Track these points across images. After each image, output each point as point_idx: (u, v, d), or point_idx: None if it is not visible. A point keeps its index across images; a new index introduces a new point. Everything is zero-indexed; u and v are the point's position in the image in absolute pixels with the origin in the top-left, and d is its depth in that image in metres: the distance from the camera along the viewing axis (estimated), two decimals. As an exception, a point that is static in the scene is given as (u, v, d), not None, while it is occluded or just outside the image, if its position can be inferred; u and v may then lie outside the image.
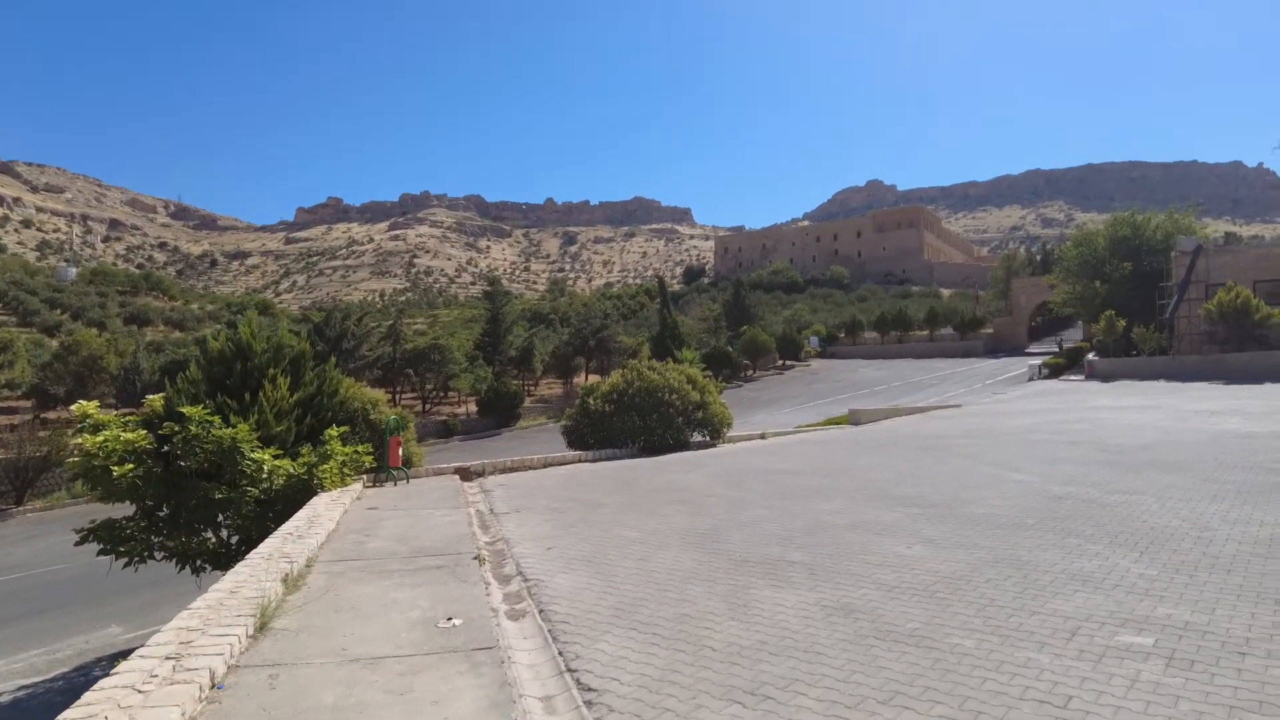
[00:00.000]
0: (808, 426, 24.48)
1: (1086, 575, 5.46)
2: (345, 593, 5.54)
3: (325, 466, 10.27)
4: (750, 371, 59.42)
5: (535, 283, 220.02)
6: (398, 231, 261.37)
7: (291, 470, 9.96)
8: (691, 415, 16.11)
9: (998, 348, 61.53)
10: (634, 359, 19.67)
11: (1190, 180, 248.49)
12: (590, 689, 3.86)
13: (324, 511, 8.67)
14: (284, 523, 8.12)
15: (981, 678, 3.72)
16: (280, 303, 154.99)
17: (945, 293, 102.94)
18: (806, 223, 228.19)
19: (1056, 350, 50.52)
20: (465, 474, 13.03)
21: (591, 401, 16.15)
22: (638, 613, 4.99)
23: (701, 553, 6.55)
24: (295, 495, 9.86)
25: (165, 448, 9.69)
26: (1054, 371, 43.04)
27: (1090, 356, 42.66)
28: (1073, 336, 58.63)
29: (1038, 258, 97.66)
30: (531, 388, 61.38)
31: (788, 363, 62.94)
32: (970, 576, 5.57)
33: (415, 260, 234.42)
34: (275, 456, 9.93)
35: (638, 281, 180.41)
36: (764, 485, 10.38)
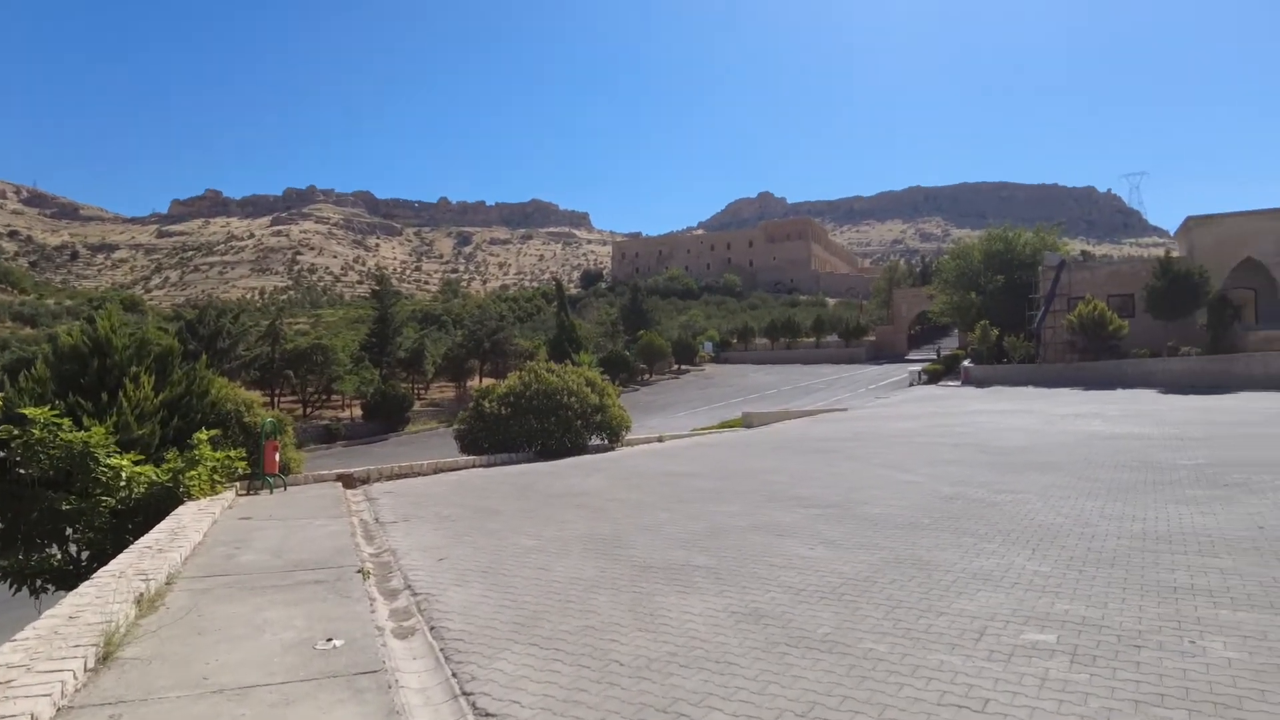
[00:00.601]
0: (704, 430, 24.65)
1: (986, 574, 5.52)
2: (210, 613, 4.95)
3: (193, 473, 9.39)
4: (647, 375, 59.72)
5: (427, 283, 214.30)
6: (281, 227, 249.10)
7: (154, 477, 9.06)
8: (590, 418, 15.83)
9: (880, 354, 64.23)
10: (531, 361, 19.27)
11: (1052, 201, 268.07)
12: (488, 714, 3.52)
13: (190, 522, 7.88)
14: (145, 535, 7.32)
15: (898, 684, 3.61)
16: (150, 299, 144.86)
17: (831, 302, 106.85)
18: (701, 231, 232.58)
19: (935, 357, 53.12)
20: (349, 481, 12.28)
21: (487, 404, 15.62)
22: (539, 627, 4.67)
23: (604, 560, 6.28)
24: (158, 505, 8.97)
25: (3, 454, 8.62)
26: (932, 377, 45.23)
27: (966, 363, 45.12)
28: (949, 344, 61.85)
29: (917, 269, 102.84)
30: (422, 391, 59.54)
31: (683, 367, 63.64)
32: (875, 577, 5.54)
33: (299, 257, 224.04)
34: (136, 462, 9.01)
35: (535, 284, 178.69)
36: (664, 488, 10.22)
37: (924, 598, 5.00)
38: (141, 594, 5.11)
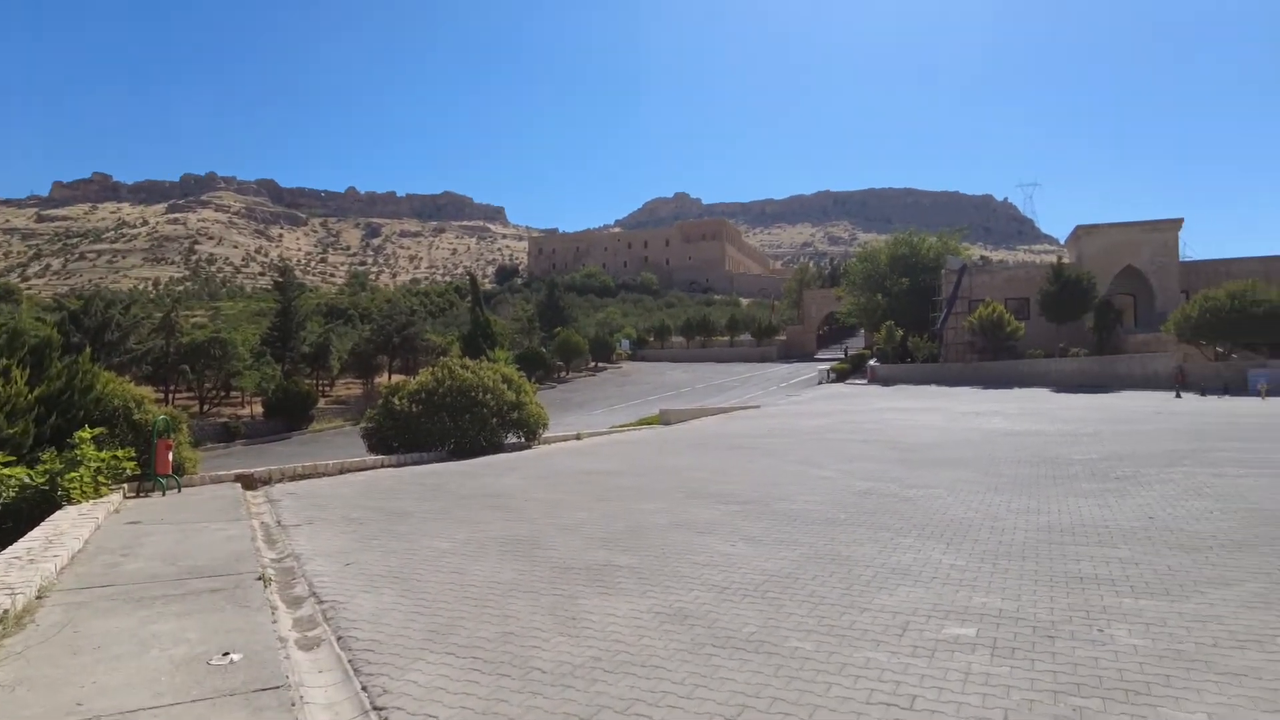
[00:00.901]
0: (622, 427, 24.59)
1: (905, 568, 5.60)
2: (89, 628, 4.52)
3: (73, 475, 8.66)
4: (564, 373, 59.31)
5: (334, 275, 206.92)
6: (177, 215, 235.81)
7: (27, 479, 8.31)
8: (507, 416, 15.50)
9: (790, 354, 65.72)
10: (444, 358, 18.68)
11: (954, 208, 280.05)
12: (401, 729, 3.29)
13: (69, 528, 7.25)
14: (13, 544, 6.67)
15: (826, 683, 3.57)
16: (28, 288, 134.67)
17: (744, 301, 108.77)
18: (619, 229, 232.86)
19: (843, 357, 54.70)
20: (249, 482, 11.62)
21: (397, 401, 15.08)
22: (454, 634, 4.44)
23: (522, 562, 6.08)
24: (32, 510, 8.23)
25: None
26: (840, 376, 46.51)
27: (872, 363, 46.67)
28: (856, 344, 63.81)
29: (826, 272, 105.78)
30: (327, 388, 57.46)
31: (600, 364, 63.52)
32: (797, 574, 5.54)
33: (197, 247, 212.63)
34: (5, 463, 8.25)
35: (448, 279, 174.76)
36: (583, 487, 10.06)
37: (846, 593, 5.02)
38: (6, 610, 4.62)
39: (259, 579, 5.68)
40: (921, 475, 10.40)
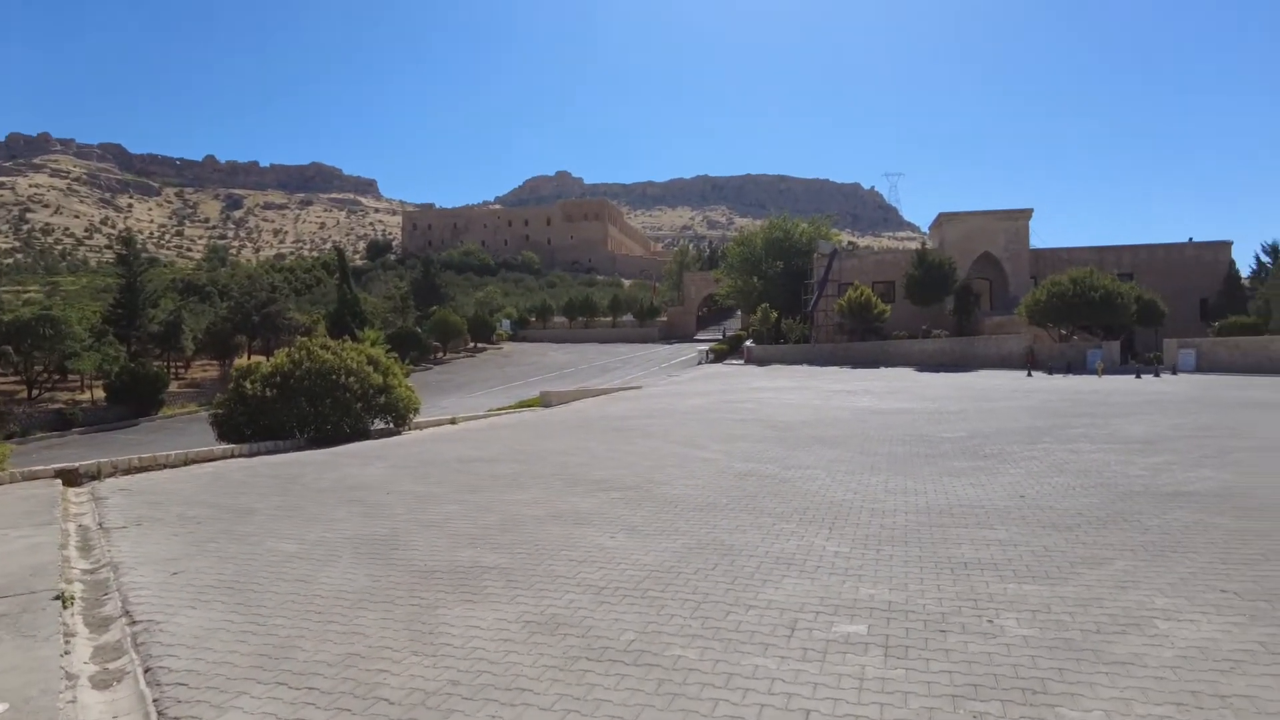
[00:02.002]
0: (500, 410, 23.83)
1: (789, 558, 5.37)
2: None
3: None
4: (440, 354, 57.42)
5: (190, 250, 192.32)
6: (5, 179, 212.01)
7: None
8: (373, 400, 14.54)
9: (671, 335, 66.36)
10: (305, 338, 17.36)
11: (824, 196, 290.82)
12: (206, 791, 2.69)
13: None
14: None
15: (713, 699, 3.22)
16: None
17: (626, 283, 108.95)
18: (499, 206, 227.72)
19: (721, 338, 55.70)
20: (71, 477, 10.26)
21: (249, 385, 13.84)
22: (290, 658, 3.82)
23: (378, 565, 5.45)
24: None
25: None
26: (719, 357, 47.29)
27: (748, 344, 47.65)
28: (734, 326, 65.11)
29: (705, 254, 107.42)
30: (180, 370, 53.31)
31: (479, 345, 61.93)
32: (679, 567, 5.20)
33: (29, 215, 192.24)
34: None
35: (315, 254, 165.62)
36: (454, 476, 9.42)
37: (730, 588, 4.72)
38: None
39: (57, 598, 4.81)
40: (799, 455, 10.38)
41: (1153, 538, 5.69)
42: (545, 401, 23.52)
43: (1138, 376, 27.33)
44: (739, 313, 63.67)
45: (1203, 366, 30.81)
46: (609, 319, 69.74)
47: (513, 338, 67.29)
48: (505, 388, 38.66)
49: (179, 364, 53.83)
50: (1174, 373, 29.63)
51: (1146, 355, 34.46)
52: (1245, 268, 44.72)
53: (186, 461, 11.58)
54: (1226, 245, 44.99)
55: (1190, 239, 46.15)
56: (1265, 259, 43.12)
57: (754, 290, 51.89)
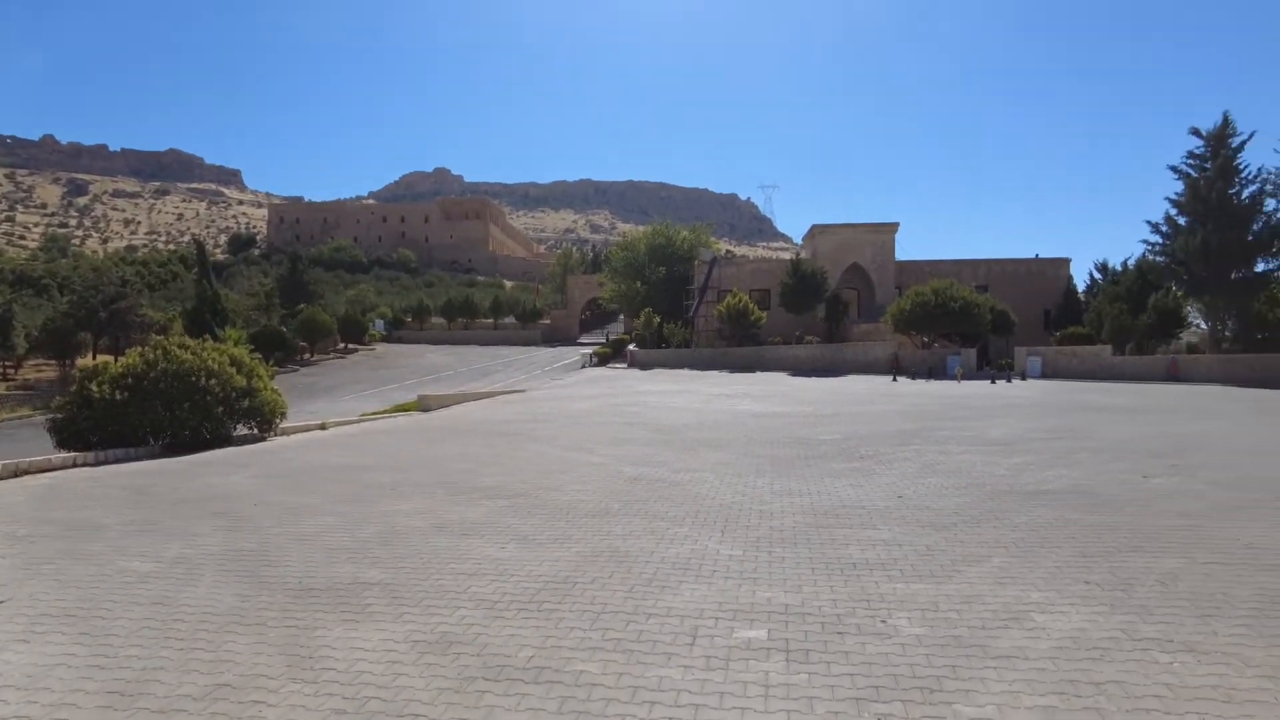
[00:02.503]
0: (375, 414, 22.82)
1: (685, 562, 5.33)
2: None
3: None
4: (308, 355, 54.56)
5: (24, 238, 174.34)
6: None
7: None
8: (236, 404, 13.55)
9: (554, 337, 65.92)
10: (160, 336, 15.98)
11: (703, 204, 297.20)
12: None
13: None
14: None
15: (619, 715, 3.10)
16: None
17: (508, 284, 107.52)
18: (372, 201, 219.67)
19: (604, 341, 55.75)
20: None
21: (96, 387, 12.58)
22: (148, 693, 3.40)
23: (247, 584, 5.00)
24: None
25: None
26: (602, 360, 47.33)
27: (631, 347, 47.97)
28: (617, 330, 65.36)
29: (589, 258, 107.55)
30: (11, 370, 48.20)
31: (351, 346, 59.28)
32: (574, 577, 5.06)
33: None
34: None
35: (171, 247, 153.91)
36: (328, 485, 8.87)
37: (629, 596, 4.62)
38: None
39: None
40: (687, 458, 10.44)
41: (1022, 534, 6.04)
42: (423, 406, 22.75)
43: (993, 382, 29.41)
44: (622, 316, 63.99)
45: (1047, 372, 33.57)
46: (490, 321, 68.47)
47: (387, 339, 64.86)
48: (379, 391, 37.14)
49: (9, 364, 48.73)
50: (1023, 378, 32.08)
51: (1000, 362, 37.09)
52: (1081, 283, 48.96)
53: (17, 473, 10.38)
54: (1066, 261, 49.16)
55: (1036, 255, 50.14)
56: (1097, 275, 47.33)
57: (637, 295, 52.38)
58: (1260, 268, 34.29)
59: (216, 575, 5.20)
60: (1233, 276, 33.79)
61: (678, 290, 51.35)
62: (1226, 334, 35.70)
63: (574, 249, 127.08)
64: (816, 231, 49.42)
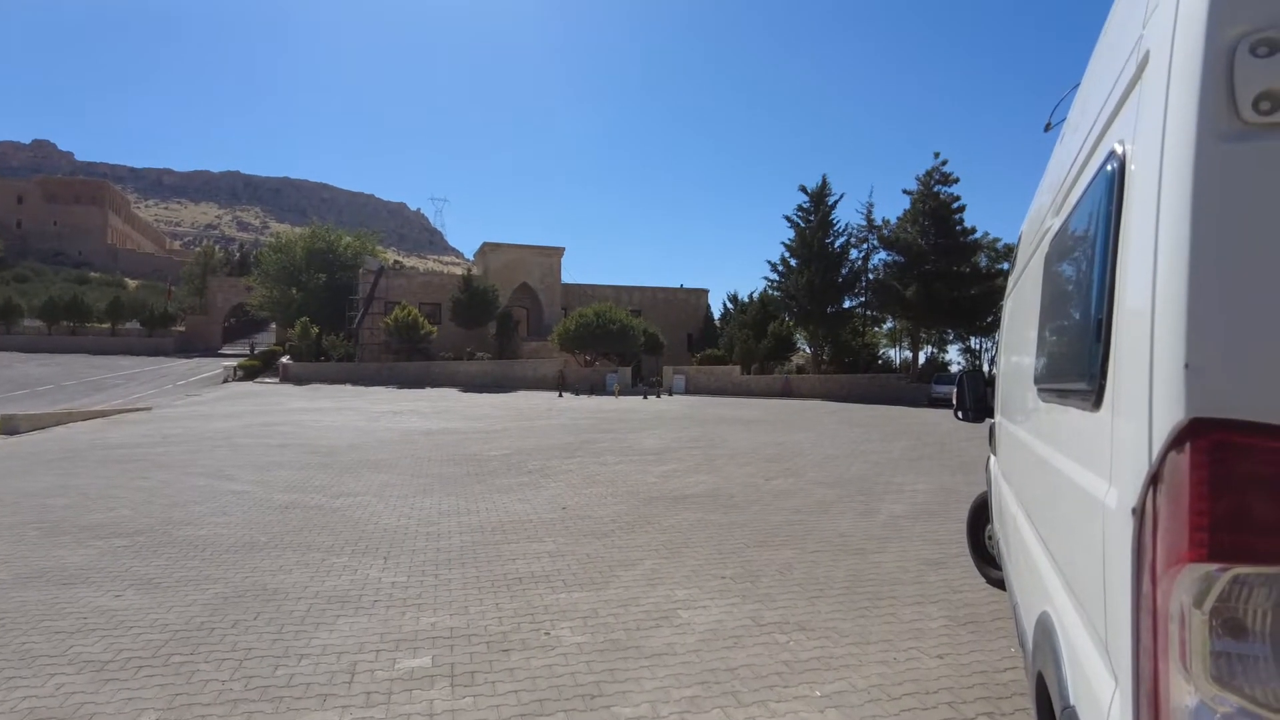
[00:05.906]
0: (-69, 439, 18.07)
1: (343, 595, 4.99)
2: None
3: None
4: None
5: None
6: None
7: None
8: None
9: (191, 347, 58.07)
10: None
11: (369, 211, 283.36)
12: None
13: None
14: None
15: (263, 774, 2.79)
16: None
17: (132, 283, 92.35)
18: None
19: (252, 353, 50.47)
20: None
21: None
22: None
23: None
24: None
25: None
26: (249, 374, 42.72)
27: (285, 360, 43.99)
28: (268, 340, 59.60)
29: (236, 258, 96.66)
30: None
31: (-105, 353, 46.39)
32: (212, 622, 4.46)
33: None
34: None
35: None
36: None
37: (277, 638, 4.19)
38: None
39: None
40: (348, 481, 9.83)
41: (669, 537, 6.63)
42: (11, 427, 18.55)
43: (645, 397, 32.08)
44: (274, 326, 58.37)
45: (690, 389, 37.53)
46: (107, 325, 58.00)
47: (-46, 344, 51.94)
48: (-58, 409, 29.52)
49: None
50: (670, 394, 35.47)
51: (651, 379, 40.62)
52: (718, 310, 55.65)
53: None
54: (704, 292, 55.60)
55: (681, 284, 55.98)
56: (729, 305, 54.15)
57: (293, 302, 48.10)
58: (847, 304, 42.30)
59: None
60: (828, 310, 41.05)
61: (340, 299, 48.19)
62: (824, 357, 43.08)
63: (217, 247, 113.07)
64: (488, 249, 49.86)
